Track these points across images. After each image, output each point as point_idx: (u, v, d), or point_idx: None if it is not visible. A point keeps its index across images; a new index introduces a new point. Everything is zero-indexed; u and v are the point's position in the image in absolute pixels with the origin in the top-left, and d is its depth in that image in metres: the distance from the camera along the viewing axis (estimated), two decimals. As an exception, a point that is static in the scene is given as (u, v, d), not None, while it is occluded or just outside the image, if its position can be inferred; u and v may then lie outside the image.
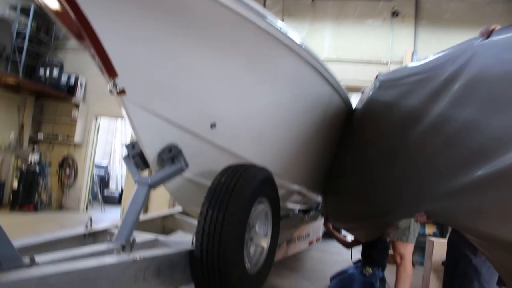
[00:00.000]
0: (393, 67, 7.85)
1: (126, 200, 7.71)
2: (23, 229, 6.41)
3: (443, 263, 4.53)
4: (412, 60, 7.78)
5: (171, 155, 2.14)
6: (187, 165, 2.18)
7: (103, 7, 1.71)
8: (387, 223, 3.11)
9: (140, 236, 2.15)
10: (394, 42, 8.30)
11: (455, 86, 2.21)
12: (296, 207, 5.02)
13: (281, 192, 3.46)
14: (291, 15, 8.82)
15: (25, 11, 8.95)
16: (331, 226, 4.97)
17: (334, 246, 5.22)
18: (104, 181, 11.19)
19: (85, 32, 1.74)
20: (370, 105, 3.42)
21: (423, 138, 2.44)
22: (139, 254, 1.64)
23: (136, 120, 2.04)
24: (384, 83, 3.27)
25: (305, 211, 5.63)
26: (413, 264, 3.73)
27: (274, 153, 2.92)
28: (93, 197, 10.60)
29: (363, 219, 3.27)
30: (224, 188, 1.95)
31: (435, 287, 4.56)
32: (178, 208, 3.56)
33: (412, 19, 8.35)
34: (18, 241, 1.76)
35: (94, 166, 10.01)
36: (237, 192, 1.94)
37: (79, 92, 9.40)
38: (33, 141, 9.42)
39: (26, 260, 1.41)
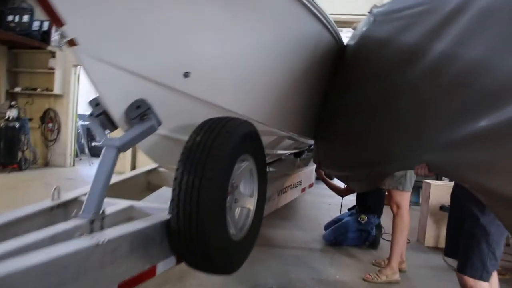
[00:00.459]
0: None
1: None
2: (8, 190, 6.23)
3: (441, 208, 4.46)
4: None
5: (140, 112, 1.86)
6: (159, 123, 1.92)
7: None
8: (384, 175, 2.93)
9: (113, 205, 1.94)
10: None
11: (463, 19, 1.92)
12: (287, 152, 4.86)
13: (270, 139, 3.28)
14: None
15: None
16: (323, 173, 4.85)
17: (326, 188, 5.14)
18: (90, 133, 10.82)
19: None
20: (363, 42, 3.11)
21: (423, 80, 2.19)
22: (102, 237, 1.43)
23: (94, 74, 1.72)
24: (380, 17, 2.95)
25: (297, 154, 5.49)
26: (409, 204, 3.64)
27: (259, 100, 2.66)
28: (80, 150, 10.37)
29: (357, 168, 3.07)
30: (199, 149, 1.72)
31: (432, 231, 4.54)
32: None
33: None
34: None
35: (77, 118, 9.66)
36: (214, 152, 1.71)
37: (55, 40, 8.73)
38: (11, 95, 8.96)
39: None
